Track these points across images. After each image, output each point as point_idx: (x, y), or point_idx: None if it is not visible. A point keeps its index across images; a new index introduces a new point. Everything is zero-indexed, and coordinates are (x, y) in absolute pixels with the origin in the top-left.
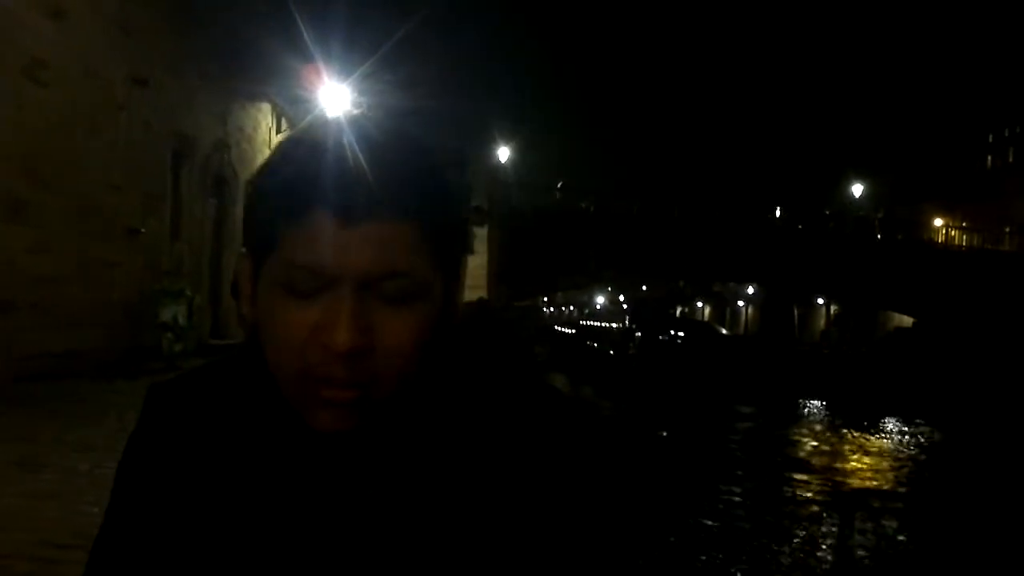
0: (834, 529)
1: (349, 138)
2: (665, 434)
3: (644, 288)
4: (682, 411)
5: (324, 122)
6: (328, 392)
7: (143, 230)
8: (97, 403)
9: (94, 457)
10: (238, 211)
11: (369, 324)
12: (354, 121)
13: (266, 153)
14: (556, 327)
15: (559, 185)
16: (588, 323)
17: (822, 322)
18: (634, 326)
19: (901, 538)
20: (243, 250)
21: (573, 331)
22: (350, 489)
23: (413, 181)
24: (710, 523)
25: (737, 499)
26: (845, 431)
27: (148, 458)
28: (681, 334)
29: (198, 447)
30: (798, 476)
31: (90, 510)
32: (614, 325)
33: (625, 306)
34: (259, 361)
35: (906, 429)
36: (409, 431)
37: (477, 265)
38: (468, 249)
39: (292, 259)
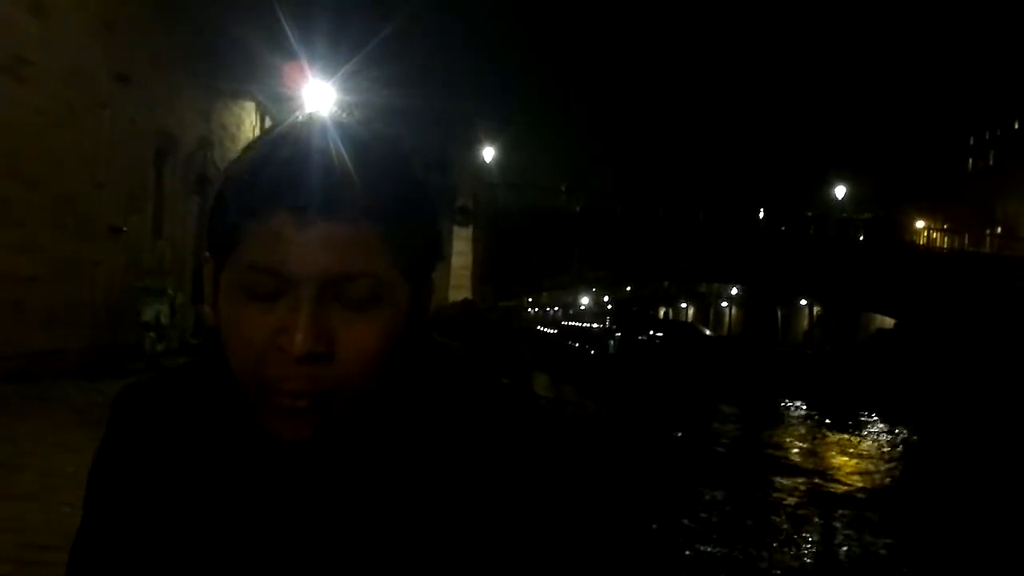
0: (816, 529)
1: (317, 138)
2: (680, 434)
3: (628, 289)
4: (665, 411)
5: (297, 122)
6: (285, 400)
7: (125, 228)
8: (79, 403)
9: (77, 458)
10: None
11: (329, 330)
12: (330, 121)
13: None
14: (538, 327)
15: (563, 188)
16: (569, 323)
17: (805, 323)
18: (614, 326)
19: (883, 538)
20: (205, 254)
21: (555, 331)
22: (312, 496)
23: (378, 182)
24: (691, 524)
25: (719, 499)
26: (828, 432)
27: (116, 465)
28: (660, 334)
29: (164, 453)
30: (780, 476)
31: (73, 511)
32: (595, 325)
33: (609, 307)
34: (223, 365)
35: (888, 430)
36: (372, 440)
37: (462, 266)
38: (440, 255)
39: (251, 260)
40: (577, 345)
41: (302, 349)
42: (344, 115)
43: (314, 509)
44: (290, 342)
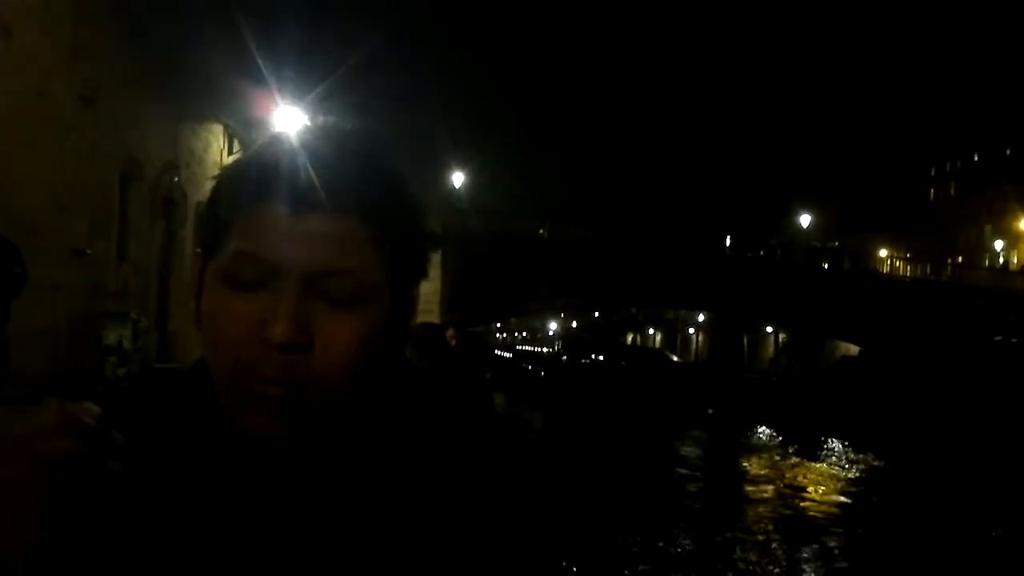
0: (782, 554)
1: (306, 138)
2: (641, 457)
3: (597, 315)
4: (615, 428)
5: (286, 134)
6: (259, 387)
7: (89, 252)
8: None
9: None
10: (187, 234)
11: (309, 323)
12: (315, 125)
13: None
14: (496, 351)
15: (532, 214)
16: (523, 348)
17: (771, 350)
18: (561, 351)
19: (849, 563)
20: (197, 250)
21: (510, 355)
22: (287, 498)
23: (368, 178)
24: (657, 547)
25: (684, 525)
26: (793, 457)
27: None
28: (601, 358)
29: (139, 457)
30: (746, 503)
31: None
32: (545, 349)
33: (583, 332)
34: (206, 375)
35: (853, 456)
36: (346, 444)
37: (429, 291)
38: (424, 271)
39: (238, 249)
40: (530, 367)
41: (282, 338)
42: (329, 122)
43: (290, 511)
44: (271, 331)
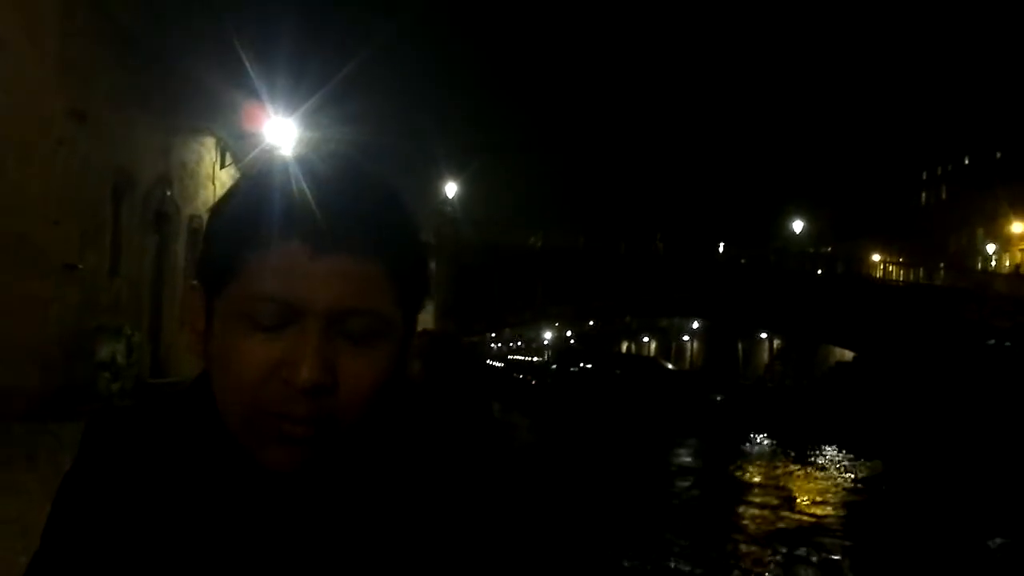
0: (779, 559)
1: (315, 171)
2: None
3: (591, 324)
4: (618, 443)
5: (282, 159)
6: (285, 427)
7: (80, 266)
8: (28, 445)
9: (24, 502)
10: (180, 247)
11: (333, 362)
12: (310, 158)
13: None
14: (487, 360)
15: (526, 223)
16: (515, 357)
17: (766, 356)
18: (551, 360)
19: (845, 567)
20: (194, 283)
21: (502, 364)
22: (293, 528)
23: (382, 217)
24: (654, 554)
25: (680, 531)
26: (789, 463)
27: (86, 493)
28: (590, 366)
29: (139, 484)
30: (741, 509)
31: (18, 559)
32: (535, 359)
33: (571, 341)
34: (207, 397)
35: (848, 461)
36: (353, 472)
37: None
38: (428, 291)
39: (257, 290)
40: (521, 376)
41: (310, 380)
42: (320, 153)
43: (295, 541)
44: (296, 374)
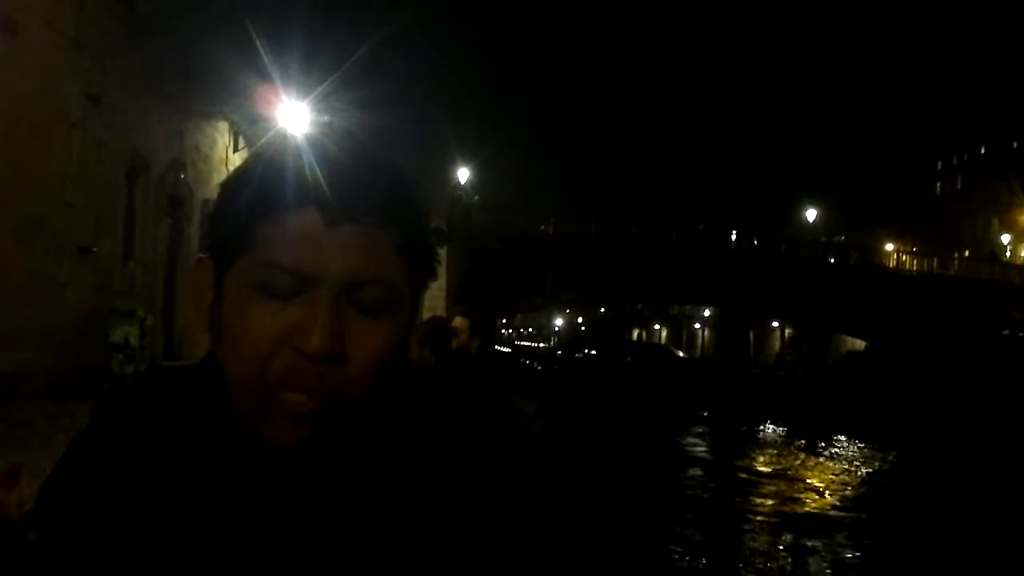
0: (789, 550)
1: (326, 148)
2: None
3: (603, 311)
4: (631, 432)
5: (293, 137)
6: (293, 397)
7: (95, 249)
8: (45, 427)
9: (39, 483)
10: (193, 230)
11: (343, 331)
12: (324, 134)
13: (223, 172)
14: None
15: (538, 209)
16: (520, 343)
17: (777, 345)
18: (556, 346)
19: (856, 558)
20: (202, 255)
21: (508, 350)
22: (300, 505)
23: (392, 194)
24: (663, 544)
25: (690, 520)
26: (800, 453)
27: (90, 459)
28: (593, 352)
29: (143, 456)
30: (752, 499)
31: None
32: (541, 345)
33: (582, 328)
34: (215, 375)
35: (861, 451)
36: (359, 449)
37: (435, 287)
38: (434, 274)
39: (271, 259)
40: (527, 362)
41: (320, 348)
42: (334, 130)
43: (303, 518)
44: (307, 341)
